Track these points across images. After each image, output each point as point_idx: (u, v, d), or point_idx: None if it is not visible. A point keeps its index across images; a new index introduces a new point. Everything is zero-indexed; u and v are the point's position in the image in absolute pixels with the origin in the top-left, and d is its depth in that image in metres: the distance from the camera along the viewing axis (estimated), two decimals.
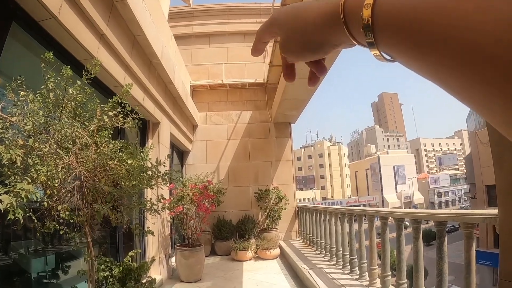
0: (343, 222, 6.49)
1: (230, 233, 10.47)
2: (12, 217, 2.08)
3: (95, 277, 3.96)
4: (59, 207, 2.45)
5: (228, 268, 8.88)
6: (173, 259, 8.22)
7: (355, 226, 6.32)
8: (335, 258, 7.01)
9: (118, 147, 3.02)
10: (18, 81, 2.59)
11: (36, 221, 2.51)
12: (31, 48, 3.92)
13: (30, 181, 2.18)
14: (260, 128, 12.14)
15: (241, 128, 12.14)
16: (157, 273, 7.29)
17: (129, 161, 2.86)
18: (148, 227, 3.81)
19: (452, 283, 21.01)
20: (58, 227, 2.78)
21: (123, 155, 2.97)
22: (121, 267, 3.96)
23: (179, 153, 11.69)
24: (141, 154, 3.26)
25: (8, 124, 2.46)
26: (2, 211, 2.02)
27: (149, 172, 3.28)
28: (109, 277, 3.92)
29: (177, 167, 11.59)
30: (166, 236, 7.97)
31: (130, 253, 4.32)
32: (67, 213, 2.50)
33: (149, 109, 6.95)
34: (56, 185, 2.34)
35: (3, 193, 2.04)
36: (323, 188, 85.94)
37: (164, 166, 3.72)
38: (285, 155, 11.96)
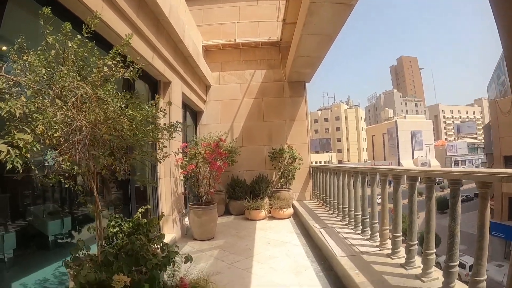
0: (356, 181, 6.40)
1: (244, 192, 10.55)
2: (11, 166, 2.07)
3: (103, 232, 4.03)
4: (60, 158, 2.43)
5: (241, 226, 9.02)
6: (187, 219, 8.35)
7: (368, 190, 6.26)
8: (347, 218, 7.00)
9: (125, 99, 2.96)
10: (19, 40, 2.56)
11: (37, 172, 2.49)
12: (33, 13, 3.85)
13: (28, 131, 2.16)
14: (274, 87, 11.97)
15: (255, 87, 12.00)
16: (170, 231, 7.42)
17: (131, 112, 2.81)
18: (150, 177, 3.71)
19: (464, 252, 20.98)
20: (62, 180, 2.79)
21: (129, 110, 2.92)
22: (130, 223, 3.99)
23: (192, 113, 11.65)
24: (148, 107, 3.19)
25: (11, 83, 2.42)
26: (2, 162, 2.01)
27: (153, 125, 3.21)
28: (119, 232, 3.97)
29: (191, 128, 11.59)
30: (179, 195, 8.08)
31: (140, 210, 4.34)
32: (68, 163, 2.49)
33: (159, 68, 6.85)
34: (56, 135, 2.31)
35: (1, 143, 2.01)
36: (339, 151, 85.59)
37: (176, 127, 3.64)
38: (299, 114, 11.84)
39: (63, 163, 2.47)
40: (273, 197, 10.38)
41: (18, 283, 4.17)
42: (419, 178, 4.35)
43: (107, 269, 2.59)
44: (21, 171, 2.14)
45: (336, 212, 7.87)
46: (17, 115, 2.15)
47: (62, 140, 2.45)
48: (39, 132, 2.24)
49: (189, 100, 9.97)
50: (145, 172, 7.15)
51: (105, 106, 2.62)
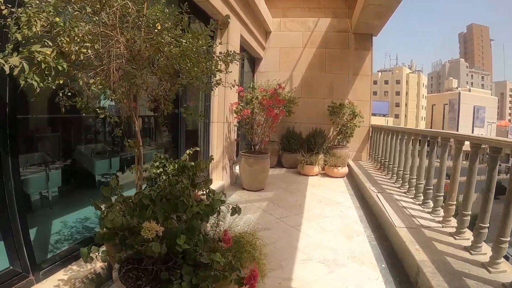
0: (423, 147, 5.76)
1: (298, 145, 10.13)
2: (24, 83, 1.75)
3: (146, 173, 3.78)
4: (91, 81, 2.09)
5: (292, 180, 8.65)
6: (237, 167, 8.10)
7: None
8: (407, 186, 6.38)
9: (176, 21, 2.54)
10: None
11: (61, 95, 2.16)
12: None
13: (50, 44, 1.80)
14: (338, 37, 11.01)
15: (318, 36, 11.12)
16: (219, 178, 7.21)
17: (183, 41, 2.38)
18: (201, 112, 3.33)
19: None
20: (87, 106, 2.48)
21: (182, 39, 2.50)
22: (175, 165, 3.70)
23: (250, 59, 11.15)
24: (203, 39, 2.76)
25: None
26: (13, 75, 1.69)
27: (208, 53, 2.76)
28: (162, 174, 3.70)
29: (248, 75, 11.15)
30: (231, 142, 7.78)
31: (188, 151, 4.04)
32: (100, 87, 2.14)
33: (216, 6, 6.34)
34: (84, 50, 1.93)
35: (16, 57, 1.68)
36: (396, 116, 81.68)
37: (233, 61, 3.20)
38: (363, 69, 10.90)
39: (93, 86, 2.13)
40: (328, 153, 9.87)
41: (58, 220, 4.13)
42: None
43: (141, 214, 2.28)
44: (37, 90, 1.82)
45: (395, 177, 7.24)
46: (38, 27, 1.78)
47: (92, 57, 2.08)
48: (64, 45, 1.87)
49: (247, 45, 9.45)
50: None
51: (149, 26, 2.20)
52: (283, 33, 11.33)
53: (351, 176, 9.02)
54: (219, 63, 3.01)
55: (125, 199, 2.46)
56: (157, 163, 3.77)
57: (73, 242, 3.76)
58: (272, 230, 5.15)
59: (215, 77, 3.15)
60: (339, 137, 10.46)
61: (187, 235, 2.27)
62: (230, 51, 3.12)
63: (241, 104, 7.67)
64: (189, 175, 3.57)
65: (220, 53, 3.11)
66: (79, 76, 2.12)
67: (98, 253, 2.27)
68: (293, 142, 10.18)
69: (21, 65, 1.68)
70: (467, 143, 4.42)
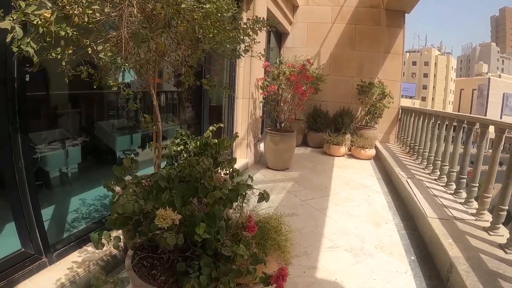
0: (458, 132, 5.38)
1: (325, 124, 9.82)
2: (17, 49, 1.54)
3: (165, 151, 3.59)
4: (99, 47, 1.86)
5: (318, 161, 8.41)
6: (262, 144, 7.87)
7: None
8: (438, 173, 6.03)
9: None
10: None
11: (64, 64, 1.92)
12: None
13: (49, 5, 1.57)
14: (369, 13, 10.40)
15: (347, 11, 10.54)
16: (243, 156, 7.03)
17: (207, 5, 2.10)
18: (226, 83, 3.07)
19: None
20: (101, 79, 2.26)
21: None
22: (197, 142, 3.49)
23: (277, 34, 10.74)
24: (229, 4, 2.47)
25: None
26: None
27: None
28: (183, 152, 3.50)
29: (275, 51, 10.78)
30: (256, 119, 7.56)
31: (211, 128, 3.82)
32: (109, 54, 1.91)
33: None
34: (89, 11, 1.69)
35: (7, 20, 1.46)
36: (423, 99, 78.89)
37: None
38: (395, 48, 10.29)
39: (102, 53, 1.90)
40: (355, 134, 9.56)
41: (77, 198, 4.04)
42: None
43: (156, 198, 2.07)
44: (34, 58, 1.61)
45: (425, 163, 6.87)
46: None
47: (102, 21, 1.84)
48: (66, 7, 1.62)
49: (274, 19, 9.05)
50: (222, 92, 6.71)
51: None
52: (311, 7, 10.82)
53: (378, 159, 8.70)
54: (248, 31, 2.72)
55: (140, 181, 2.25)
56: (178, 140, 3.57)
57: (91, 221, 3.66)
58: (297, 213, 4.96)
59: (242, 44, 2.86)
60: (367, 118, 10.08)
61: (208, 222, 2.07)
62: (259, 17, 2.83)
63: (267, 80, 7.40)
64: (211, 153, 3.37)
65: (248, 19, 2.83)
66: (88, 43, 1.89)
67: (110, 239, 2.07)
68: (319, 121, 9.88)
69: (14, 31, 1.46)
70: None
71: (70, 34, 1.71)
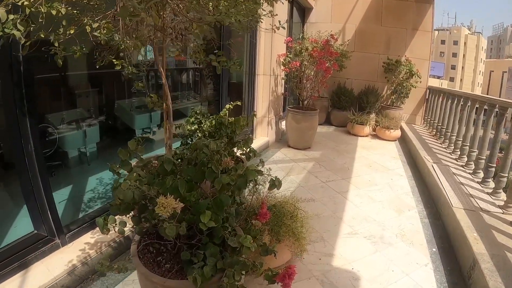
0: (489, 117, 5.05)
1: (349, 103, 9.52)
2: (1, 33, 1.44)
3: (179, 131, 3.48)
4: (95, 25, 1.72)
5: (341, 140, 8.21)
6: (283, 123, 7.70)
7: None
8: (465, 159, 5.73)
9: None
10: None
11: (57, 44, 1.78)
12: None
13: None
14: None
15: None
16: (264, 134, 6.90)
17: None
18: (237, 59, 2.88)
19: None
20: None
21: None
22: (213, 121, 3.35)
23: (300, 9, 10.31)
24: None
25: None
26: None
27: None
28: (197, 131, 3.38)
29: (297, 26, 10.43)
30: (278, 96, 7.37)
31: (227, 106, 3.68)
32: (104, 31, 1.77)
33: None
34: None
35: None
36: (451, 80, 75.87)
37: None
38: (423, 24, 9.67)
39: (97, 31, 1.76)
40: (380, 113, 9.23)
41: (95, 177, 4.03)
42: None
43: (162, 182, 1.95)
44: (22, 41, 1.50)
45: (452, 147, 6.55)
46: None
47: None
48: None
49: None
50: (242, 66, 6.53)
51: None
52: None
53: (403, 141, 8.40)
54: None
55: (147, 163, 2.14)
56: (192, 119, 3.44)
57: (106, 200, 3.64)
58: (317, 195, 4.84)
59: (257, 15, 2.65)
60: (393, 97, 9.71)
61: (214, 210, 1.95)
62: None
63: (289, 56, 7.15)
64: (226, 133, 3.24)
65: None
66: (85, 21, 1.75)
67: (116, 224, 1.98)
68: (343, 99, 9.59)
69: None
70: None
71: (64, 12, 1.57)
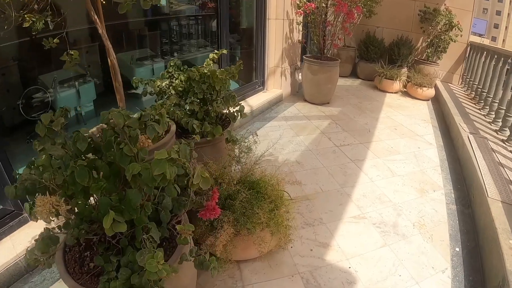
0: None
1: (378, 54, 8.40)
2: None
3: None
4: None
5: (366, 96, 7.29)
6: (301, 74, 6.84)
7: None
8: (507, 132, 4.76)
9: None
10: None
11: None
12: None
13: None
14: None
15: None
16: (276, 87, 6.15)
17: None
18: None
19: None
20: None
21: None
22: (182, 76, 2.65)
23: None
24: None
25: None
26: None
27: None
28: (171, 88, 2.70)
29: None
30: (294, 43, 6.43)
31: (211, 55, 2.93)
32: None
33: None
34: None
35: None
36: (493, 39, 70.27)
37: None
38: None
39: None
40: (413, 68, 8.08)
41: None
42: None
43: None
44: None
45: (493, 116, 5.52)
46: None
47: None
48: None
49: None
50: (251, 11, 5.78)
51: None
52: None
53: (437, 101, 7.37)
54: None
55: (66, 141, 1.52)
56: (170, 72, 2.78)
57: None
58: (325, 162, 4.17)
59: None
60: (428, 51, 8.49)
61: (126, 209, 1.31)
62: None
63: None
64: (201, 90, 2.53)
65: None
66: None
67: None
68: (372, 49, 8.47)
69: None
70: None
71: None
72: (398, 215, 3.26)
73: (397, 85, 7.63)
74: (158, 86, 2.74)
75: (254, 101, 5.59)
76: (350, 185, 3.72)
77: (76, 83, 3.95)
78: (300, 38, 6.60)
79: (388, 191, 3.66)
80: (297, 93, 6.84)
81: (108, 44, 1.94)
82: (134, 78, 2.79)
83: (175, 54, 5.55)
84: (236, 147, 2.67)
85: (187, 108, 2.59)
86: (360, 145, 4.74)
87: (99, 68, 4.42)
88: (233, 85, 5.76)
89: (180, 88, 2.66)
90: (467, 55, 8.28)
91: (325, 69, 5.98)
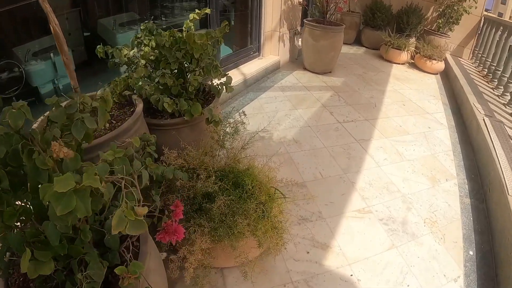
0: None
1: (385, 21, 7.79)
2: None
3: None
4: None
5: (371, 66, 6.75)
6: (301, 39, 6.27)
7: None
8: None
9: None
10: None
11: None
12: None
13: None
14: None
15: None
16: (274, 53, 5.61)
17: None
18: None
19: None
20: None
21: None
22: (152, 42, 2.14)
23: None
24: None
25: None
26: None
27: None
28: (140, 58, 2.20)
29: None
30: (293, 6, 5.79)
31: (191, 16, 2.42)
32: None
33: None
34: None
35: None
36: (499, 15, 67.98)
37: None
38: None
39: None
40: (422, 39, 7.52)
41: None
42: None
43: None
44: None
45: (508, 97, 4.99)
46: None
47: None
48: None
49: None
50: None
51: None
52: None
53: (446, 76, 6.85)
54: None
55: None
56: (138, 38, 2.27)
57: None
58: (327, 141, 3.76)
59: None
60: (439, 21, 7.81)
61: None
62: None
63: None
64: (175, 59, 2.05)
65: None
66: None
67: None
68: (379, 16, 7.82)
69: None
70: None
71: None
72: (408, 209, 2.85)
73: (404, 55, 7.10)
74: (125, 56, 2.23)
75: (248, 69, 5.06)
76: (354, 170, 3.30)
77: (52, 54, 3.58)
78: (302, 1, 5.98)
79: (396, 178, 3.25)
80: (296, 60, 6.29)
81: (46, 7, 1.46)
82: (98, 46, 2.28)
83: (164, 17, 5.04)
84: (221, 128, 2.20)
85: (159, 82, 2.09)
86: (366, 122, 4.29)
87: (80, 36, 4.08)
88: (226, 51, 5.24)
89: (151, 57, 2.17)
90: (480, 29, 7.66)
91: (328, 34, 5.42)
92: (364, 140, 3.87)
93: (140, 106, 1.91)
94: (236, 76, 4.69)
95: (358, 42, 8.36)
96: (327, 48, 5.57)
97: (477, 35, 7.71)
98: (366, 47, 8.16)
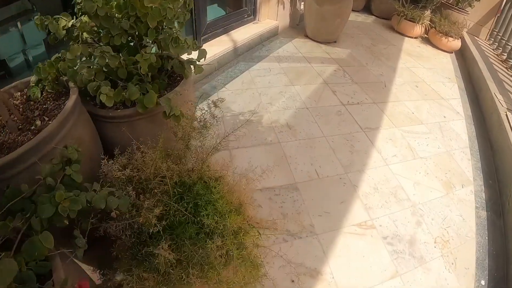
0: None
1: None
2: None
3: None
4: None
5: (381, 38, 6.09)
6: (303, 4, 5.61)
7: None
8: None
9: None
10: None
11: None
12: None
13: None
14: None
15: None
16: (271, 17, 4.99)
17: None
18: None
19: None
20: None
21: None
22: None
23: None
24: None
25: None
26: None
27: None
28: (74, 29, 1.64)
29: None
30: None
31: None
32: None
33: None
34: None
35: None
36: None
37: None
38: None
39: None
40: (439, 12, 6.84)
41: None
42: None
43: None
44: None
45: None
46: None
47: None
48: None
49: None
50: None
51: None
52: None
53: (462, 57, 6.20)
54: None
55: None
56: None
57: None
58: (326, 129, 3.25)
59: None
60: None
61: None
62: None
63: None
64: (122, 30, 1.49)
65: None
66: None
67: None
68: None
69: None
70: None
71: None
72: (417, 224, 2.39)
73: (418, 29, 6.43)
74: (63, 28, 1.65)
75: (240, 35, 4.42)
76: (358, 168, 2.80)
77: (18, 22, 3.18)
78: None
79: (407, 182, 2.75)
80: (297, 26, 5.59)
81: None
82: (35, 18, 1.67)
83: None
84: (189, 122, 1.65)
85: (99, 62, 1.51)
86: (373, 106, 3.75)
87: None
88: (219, 12, 4.61)
89: (94, 29, 1.60)
90: (502, 7, 6.95)
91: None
92: (370, 129, 3.34)
93: (73, 98, 1.38)
94: (224, 43, 4.09)
95: (367, 9, 7.61)
96: (333, 14, 4.91)
97: (498, 14, 7.01)
98: (376, 16, 7.43)
